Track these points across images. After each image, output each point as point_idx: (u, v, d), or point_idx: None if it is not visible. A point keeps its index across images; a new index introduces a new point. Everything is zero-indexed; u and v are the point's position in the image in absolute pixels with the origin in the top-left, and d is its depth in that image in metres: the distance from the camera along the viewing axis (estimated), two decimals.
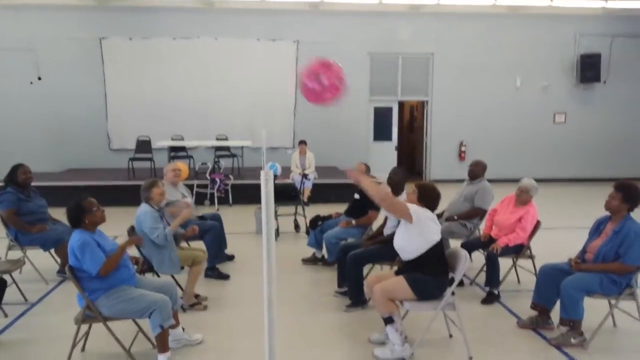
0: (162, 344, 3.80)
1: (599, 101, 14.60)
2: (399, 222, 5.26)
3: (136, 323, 4.24)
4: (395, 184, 5.52)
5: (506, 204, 5.69)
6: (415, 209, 4.02)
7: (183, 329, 4.31)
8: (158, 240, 4.82)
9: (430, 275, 4.01)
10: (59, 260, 6.15)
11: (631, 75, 14.52)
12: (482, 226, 5.99)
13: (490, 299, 5.34)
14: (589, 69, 14.15)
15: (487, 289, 5.39)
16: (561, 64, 14.40)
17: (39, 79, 13.11)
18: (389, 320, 4.01)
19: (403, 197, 5.38)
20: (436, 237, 4.05)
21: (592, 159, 14.68)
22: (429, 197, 4.17)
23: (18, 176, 5.84)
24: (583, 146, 14.66)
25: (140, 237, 4.60)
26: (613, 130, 14.70)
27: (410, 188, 4.43)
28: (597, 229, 4.53)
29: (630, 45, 14.37)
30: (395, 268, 4.46)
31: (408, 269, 4.08)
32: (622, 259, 4.16)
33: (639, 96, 14.66)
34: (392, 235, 5.29)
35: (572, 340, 4.24)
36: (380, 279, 4.21)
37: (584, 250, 4.53)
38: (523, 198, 5.47)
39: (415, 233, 4.01)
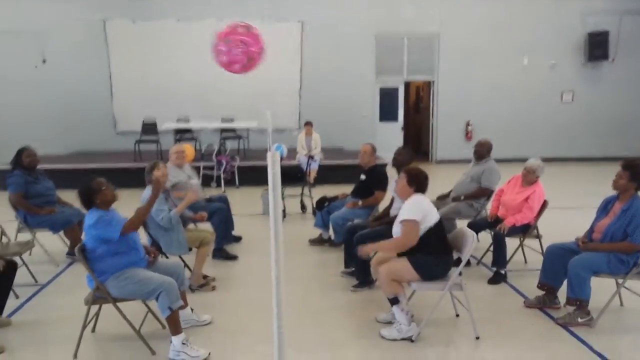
0: (174, 326, 3.82)
1: (607, 79, 14.45)
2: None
3: (145, 304, 4.28)
4: (401, 164, 5.49)
5: (513, 184, 5.67)
6: (416, 212, 4.01)
7: (192, 310, 4.35)
8: (163, 223, 4.85)
9: (430, 255, 4.02)
10: (68, 242, 6.20)
11: (639, 53, 14.33)
12: (489, 206, 5.98)
13: (497, 278, 5.35)
14: (597, 47, 13.97)
15: (494, 269, 5.40)
16: (569, 43, 14.23)
17: (44, 62, 13.09)
18: (394, 301, 4.04)
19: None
20: (433, 221, 4.05)
21: (601, 137, 14.56)
22: (417, 181, 4.19)
23: (23, 159, 5.87)
24: (591, 125, 14.54)
25: (159, 185, 4.46)
26: (622, 109, 14.56)
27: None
28: (604, 208, 4.51)
29: (639, 22, 14.15)
30: None
31: (410, 251, 4.08)
32: (630, 238, 4.14)
33: None
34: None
35: (579, 320, 4.25)
36: (386, 260, 4.23)
37: (591, 230, 4.52)
38: (529, 178, 5.44)
39: None
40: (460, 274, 4.05)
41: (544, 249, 4.88)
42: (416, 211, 4.01)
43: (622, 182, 4.28)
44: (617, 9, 14.04)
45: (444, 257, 4.09)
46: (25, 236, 5.94)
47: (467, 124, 14.30)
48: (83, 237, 3.98)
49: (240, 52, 3.27)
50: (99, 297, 3.87)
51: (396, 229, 4.17)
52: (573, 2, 13.97)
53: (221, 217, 6.08)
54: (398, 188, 4.28)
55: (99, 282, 3.80)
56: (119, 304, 3.89)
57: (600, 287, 4.42)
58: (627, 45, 14.18)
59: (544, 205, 5.52)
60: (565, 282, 4.38)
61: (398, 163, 5.56)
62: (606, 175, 4.42)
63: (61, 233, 6.15)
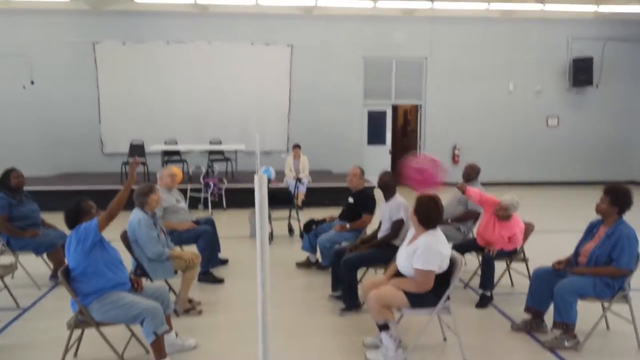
0: (158, 351, 3.77)
1: (592, 105, 14.69)
2: (392, 227, 5.30)
3: (129, 328, 4.21)
4: (386, 185, 5.53)
5: (488, 213, 5.57)
6: (433, 262, 3.89)
7: (176, 334, 4.29)
8: (152, 255, 4.81)
9: (430, 291, 3.98)
10: (51, 265, 6.11)
11: (623, 79, 14.62)
12: (475, 229, 5.99)
13: (484, 302, 5.34)
14: (581, 72, 14.22)
15: (481, 291, 5.39)
16: (554, 68, 14.48)
17: (32, 83, 13.06)
18: (384, 327, 4.00)
19: (396, 201, 5.39)
20: (444, 266, 3.98)
21: (586, 162, 14.74)
22: (427, 214, 4.03)
23: (10, 180, 5.80)
24: (576, 149, 14.72)
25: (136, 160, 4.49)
26: (606, 134, 14.78)
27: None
28: (589, 232, 4.54)
29: (622, 49, 14.47)
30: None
31: None
32: (615, 263, 4.17)
33: (631, 100, 14.76)
34: (385, 239, 5.32)
35: (566, 344, 4.25)
36: (376, 285, 4.19)
37: (576, 253, 4.54)
38: (502, 214, 5.40)
39: None
40: (448, 297, 4.04)
41: (531, 273, 4.89)
42: (434, 260, 3.90)
43: (604, 206, 4.32)
44: (601, 35, 14.34)
45: (440, 289, 4.01)
46: (7, 259, 5.84)
47: (454, 148, 14.41)
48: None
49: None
50: (81, 321, 3.81)
51: (404, 259, 4.08)
52: (558, 28, 14.26)
53: (207, 240, 6.03)
54: (414, 220, 4.12)
55: (82, 306, 3.74)
56: (102, 328, 3.82)
57: (587, 311, 4.43)
58: (610, 72, 14.45)
59: (530, 229, 5.56)
60: (551, 306, 4.39)
61: (383, 184, 5.57)
62: (591, 199, 4.46)
63: (44, 256, 6.05)
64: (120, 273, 3.93)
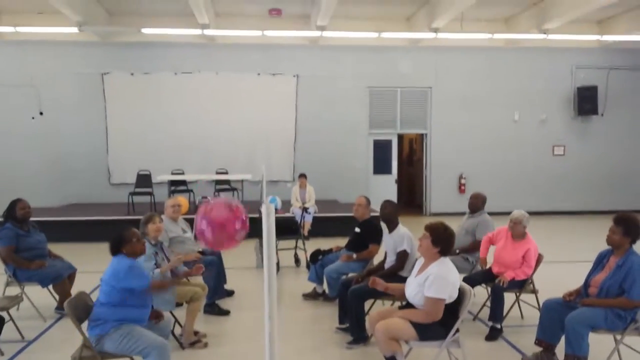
0: None
1: (597, 133, 14.69)
2: (396, 258, 5.26)
3: None
4: (388, 215, 5.53)
5: (502, 239, 5.62)
6: (444, 291, 3.85)
7: None
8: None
9: (439, 323, 3.92)
10: (57, 296, 6.08)
11: (628, 107, 14.65)
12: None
13: (494, 334, 5.26)
14: (586, 101, 14.26)
15: (491, 323, 5.31)
16: (559, 97, 14.54)
17: (41, 114, 13.20)
18: None
19: (399, 232, 5.37)
20: (454, 295, 3.94)
21: (592, 191, 14.67)
22: (443, 239, 4.00)
23: (17, 211, 5.82)
24: (583, 178, 14.67)
25: (199, 266, 4.81)
26: (612, 162, 14.74)
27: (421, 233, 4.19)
28: (600, 262, 4.48)
29: (627, 77, 14.55)
30: (398, 303, 4.38)
31: None
32: (626, 294, 4.11)
33: (637, 128, 14.77)
34: (391, 270, 5.28)
35: None
36: (383, 316, 4.14)
37: (587, 284, 4.48)
38: (517, 230, 5.44)
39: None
40: (457, 330, 3.98)
41: (541, 304, 4.82)
42: (444, 289, 3.86)
43: (616, 237, 4.27)
44: (605, 64, 14.43)
45: (449, 322, 3.96)
46: (13, 290, 5.82)
47: (460, 177, 14.39)
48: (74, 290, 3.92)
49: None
50: (87, 355, 3.77)
51: (413, 289, 4.03)
52: (562, 57, 14.36)
53: (213, 270, 6.00)
54: (422, 249, 4.07)
55: (87, 340, 3.74)
56: None
57: (599, 344, 4.35)
58: (615, 100, 14.49)
59: (539, 259, 5.50)
60: (563, 338, 4.31)
61: (386, 216, 5.55)
62: (600, 229, 4.42)
63: (50, 287, 6.03)
64: (145, 310, 4.02)
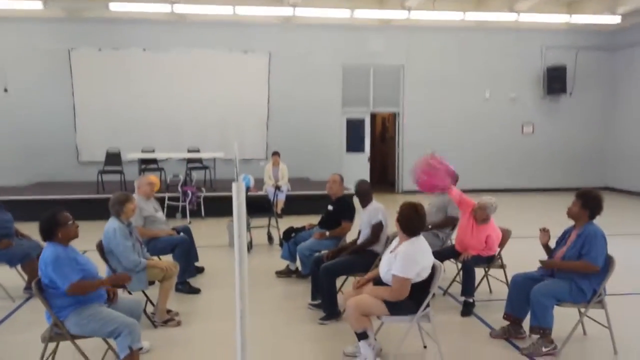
0: None
1: (566, 113, 14.95)
2: (371, 230, 5.30)
3: (105, 341, 4.11)
4: (363, 192, 5.57)
5: (467, 213, 5.64)
6: (410, 270, 3.87)
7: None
8: (127, 264, 4.74)
9: (409, 298, 3.96)
10: (25, 276, 5.98)
11: (596, 87, 14.93)
12: (454, 236, 6.03)
13: (468, 308, 5.34)
14: (555, 81, 14.49)
15: (463, 298, 5.41)
16: (529, 76, 14.73)
17: (5, 90, 12.83)
18: (362, 336, 3.97)
19: (373, 205, 5.42)
20: (424, 275, 3.97)
21: (561, 169, 14.99)
22: (409, 222, 4.03)
23: None
24: (551, 157, 14.96)
25: (127, 276, 4.39)
26: (580, 141, 15.06)
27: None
28: (563, 238, 4.61)
29: (595, 58, 14.80)
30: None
31: None
32: (584, 257, 4.24)
33: (604, 107, 15.08)
34: (365, 243, 5.32)
35: (543, 349, 4.28)
36: (359, 292, 4.18)
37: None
38: (480, 215, 5.47)
39: None
40: (428, 305, 4.05)
41: (509, 279, 4.93)
42: (411, 269, 3.88)
43: (575, 209, 4.41)
44: (573, 44, 14.63)
45: (420, 297, 4.00)
46: None
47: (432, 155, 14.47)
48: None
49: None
50: (56, 333, 3.72)
51: (385, 266, 4.06)
52: (532, 37, 14.51)
53: (183, 249, 5.95)
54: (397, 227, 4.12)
55: (56, 319, 3.66)
56: (78, 341, 3.74)
57: (564, 317, 4.47)
58: (583, 80, 14.75)
59: (506, 235, 5.61)
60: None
61: (361, 191, 5.59)
62: (566, 206, 4.52)
63: (19, 267, 5.92)
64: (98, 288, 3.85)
